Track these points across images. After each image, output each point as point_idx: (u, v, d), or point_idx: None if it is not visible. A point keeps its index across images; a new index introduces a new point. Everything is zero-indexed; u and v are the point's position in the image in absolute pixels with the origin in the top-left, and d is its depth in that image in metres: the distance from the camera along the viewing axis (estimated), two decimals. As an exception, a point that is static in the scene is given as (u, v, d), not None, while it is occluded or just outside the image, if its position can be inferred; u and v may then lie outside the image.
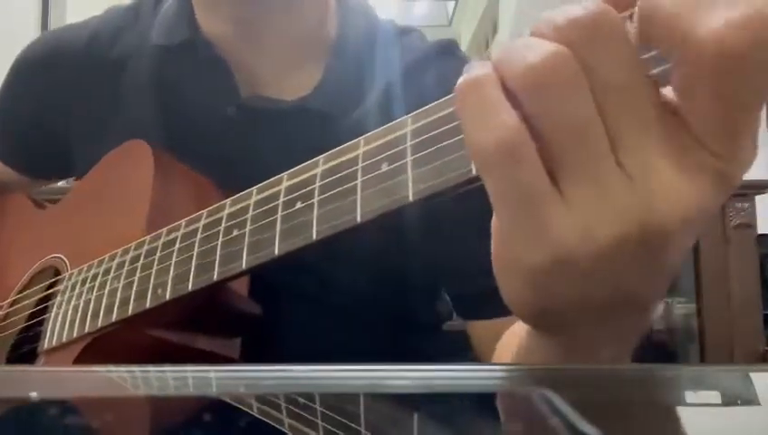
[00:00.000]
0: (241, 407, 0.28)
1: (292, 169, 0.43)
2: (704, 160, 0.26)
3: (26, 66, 0.73)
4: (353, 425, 0.25)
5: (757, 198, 1.66)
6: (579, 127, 0.26)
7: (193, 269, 0.46)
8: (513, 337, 0.54)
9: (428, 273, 0.69)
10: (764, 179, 1.72)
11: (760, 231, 1.69)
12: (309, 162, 0.41)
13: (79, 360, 0.53)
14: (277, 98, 0.63)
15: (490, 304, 0.59)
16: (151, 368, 0.40)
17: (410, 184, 0.34)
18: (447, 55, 0.67)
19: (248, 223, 0.44)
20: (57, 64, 0.70)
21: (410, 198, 0.34)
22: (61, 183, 0.95)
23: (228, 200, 0.47)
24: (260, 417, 0.26)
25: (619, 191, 0.26)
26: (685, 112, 0.26)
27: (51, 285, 0.62)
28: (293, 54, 0.64)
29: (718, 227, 1.63)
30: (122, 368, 0.43)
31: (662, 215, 0.26)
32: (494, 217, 0.31)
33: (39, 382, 0.36)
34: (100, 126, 0.68)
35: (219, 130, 0.63)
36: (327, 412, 0.27)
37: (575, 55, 0.26)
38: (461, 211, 0.59)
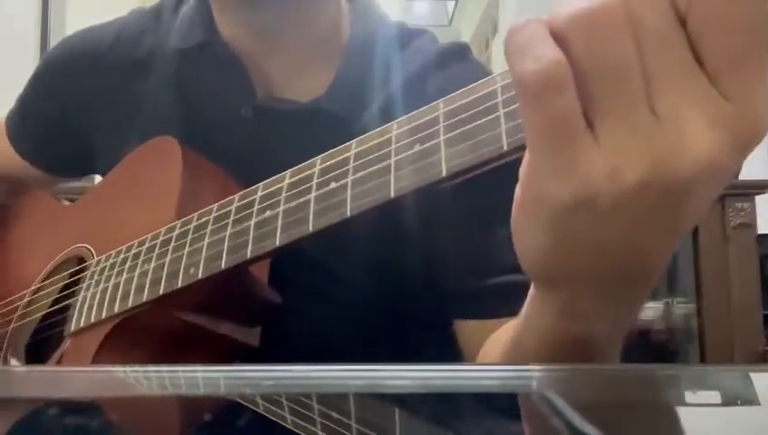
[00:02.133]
0: (240, 407, 0.28)
1: (325, 154, 0.44)
2: (725, 113, 0.27)
3: (51, 67, 0.75)
4: (353, 425, 0.25)
5: (757, 198, 1.66)
6: (619, 68, 0.28)
7: (226, 248, 0.48)
8: (501, 337, 0.54)
9: (431, 270, 0.69)
10: (764, 179, 1.72)
11: (760, 231, 1.69)
12: (341, 147, 0.43)
13: (106, 341, 0.53)
14: (291, 99, 0.65)
15: (477, 304, 0.59)
16: (152, 368, 0.40)
17: (443, 161, 0.36)
18: (459, 58, 0.67)
19: (281, 203, 0.46)
20: (81, 65, 0.72)
21: (443, 174, 0.36)
22: (79, 182, 0.96)
23: (260, 184, 0.49)
24: (260, 417, 0.26)
25: (649, 134, 0.28)
26: (701, 53, 0.28)
27: (75, 273, 0.63)
28: (307, 56, 0.65)
29: (718, 227, 1.63)
30: (123, 368, 0.43)
31: (685, 161, 0.27)
32: (524, 159, 0.32)
33: (40, 382, 0.36)
34: (121, 125, 0.69)
35: (234, 131, 0.64)
36: (328, 412, 0.27)
37: (624, 3, 0.27)
38: (456, 213, 0.60)
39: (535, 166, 0.30)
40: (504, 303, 0.53)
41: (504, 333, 0.54)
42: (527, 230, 0.32)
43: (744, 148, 0.28)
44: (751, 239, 1.64)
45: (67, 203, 0.78)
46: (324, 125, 0.62)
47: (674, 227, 0.30)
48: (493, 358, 0.53)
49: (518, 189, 0.32)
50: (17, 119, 0.78)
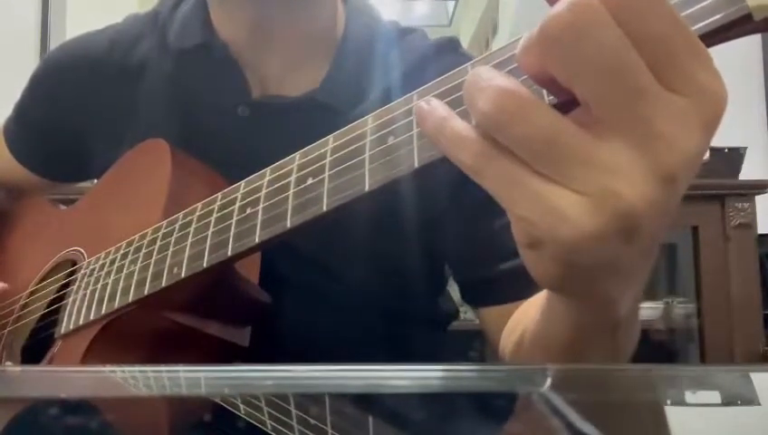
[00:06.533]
0: (240, 408, 0.28)
1: (303, 149, 0.45)
2: (682, 107, 0.28)
3: (47, 73, 0.75)
4: (354, 425, 0.25)
5: (757, 198, 1.66)
6: (543, 139, 0.28)
7: (208, 247, 0.48)
8: (524, 311, 0.55)
9: (433, 267, 0.70)
10: (764, 179, 1.72)
11: (760, 231, 1.69)
12: (319, 142, 0.43)
13: (94, 343, 0.53)
14: (286, 95, 0.65)
15: (497, 290, 0.60)
16: (148, 368, 0.40)
17: (416, 153, 0.36)
18: (448, 52, 0.68)
19: (261, 200, 0.46)
20: (76, 72, 0.72)
21: (416, 166, 0.36)
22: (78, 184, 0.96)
23: (243, 182, 0.49)
24: (259, 417, 0.26)
25: (619, 157, 0.28)
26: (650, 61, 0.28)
27: (70, 275, 0.63)
28: (303, 54, 0.66)
29: (718, 227, 1.63)
30: (122, 368, 0.43)
31: (670, 164, 0.28)
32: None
33: (39, 382, 0.36)
34: (118, 130, 0.69)
35: (231, 129, 0.65)
36: (326, 413, 0.27)
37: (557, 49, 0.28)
38: (465, 199, 0.61)
39: (518, 220, 0.30)
40: (519, 286, 0.54)
41: (520, 321, 0.54)
42: (535, 264, 0.32)
43: (711, 129, 0.28)
44: (751, 239, 1.64)
45: (63, 207, 0.79)
46: (319, 118, 0.62)
47: (676, 200, 0.30)
48: (515, 346, 0.52)
49: (513, 229, 0.32)
50: (15, 127, 0.78)
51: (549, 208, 0.29)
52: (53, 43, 2.29)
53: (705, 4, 0.30)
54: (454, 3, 4.61)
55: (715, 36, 0.29)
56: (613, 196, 0.28)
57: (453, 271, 0.68)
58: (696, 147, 0.28)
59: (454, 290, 0.73)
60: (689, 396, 0.30)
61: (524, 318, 0.53)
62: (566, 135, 0.28)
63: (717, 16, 0.29)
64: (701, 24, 0.29)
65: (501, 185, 0.30)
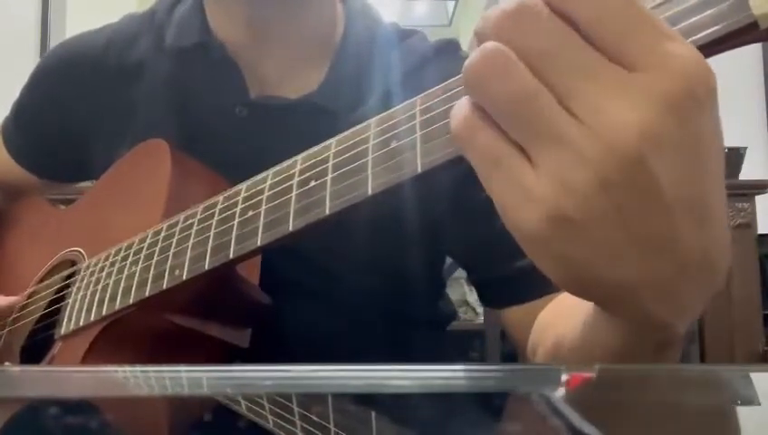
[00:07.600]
0: (240, 408, 0.28)
1: (306, 152, 0.44)
2: (638, 83, 0.27)
3: (45, 74, 0.75)
4: (355, 425, 0.25)
5: (757, 198, 1.66)
6: (522, 97, 0.28)
7: (209, 249, 0.48)
8: (557, 313, 0.54)
9: (434, 269, 0.70)
10: (764, 179, 1.72)
11: (760, 231, 1.69)
12: (322, 145, 0.43)
13: (94, 344, 0.53)
14: (284, 96, 0.65)
15: (517, 288, 0.59)
16: (149, 368, 0.40)
17: (419, 157, 0.36)
18: (448, 54, 0.68)
19: (263, 203, 0.45)
20: (75, 71, 0.72)
21: (419, 170, 0.36)
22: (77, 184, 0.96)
23: (244, 185, 0.49)
24: (259, 418, 0.26)
25: (579, 137, 0.27)
26: (595, 39, 0.28)
27: (69, 276, 0.63)
28: (301, 55, 0.66)
29: (718, 227, 1.63)
30: (123, 368, 0.43)
31: (624, 143, 0.27)
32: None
33: (39, 382, 0.36)
34: (116, 130, 0.69)
35: (229, 130, 0.65)
36: (326, 413, 0.27)
37: (502, 42, 0.28)
38: (471, 199, 0.60)
39: (498, 207, 0.30)
40: (539, 282, 0.53)
41: (553, 323, 0.53)
42: (534, 257, 0.31)
43: (674, 104, 0.27)
44: (751, 239, 1.65)
45: (62, 207, 0.79)
46: (317, 121, 0.62)
47: (669, 199, 0.28)
48: (552, 352, 0.50)
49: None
50: (13, 127, 0.79)
51: (520, 190, 0.29)
52: (53, 43, 2.29)
53: (709, 12, 0.29)
54: (454, 3, 4.60)
55: (719, 45, 0.29)
56: (567, 175, 0.27)
57: (469, 274, 0.67)
58: (657, 123, 0.26)
59: (452, 291, 0.73)
60: (689, 396, 0.30)
61: (559, 321, 0.50)
62: (543, 96, 0.28)
63: (722, 25, 0.29)
64: (706, 33, 0.29)
65: (481, 158, 0.30)
